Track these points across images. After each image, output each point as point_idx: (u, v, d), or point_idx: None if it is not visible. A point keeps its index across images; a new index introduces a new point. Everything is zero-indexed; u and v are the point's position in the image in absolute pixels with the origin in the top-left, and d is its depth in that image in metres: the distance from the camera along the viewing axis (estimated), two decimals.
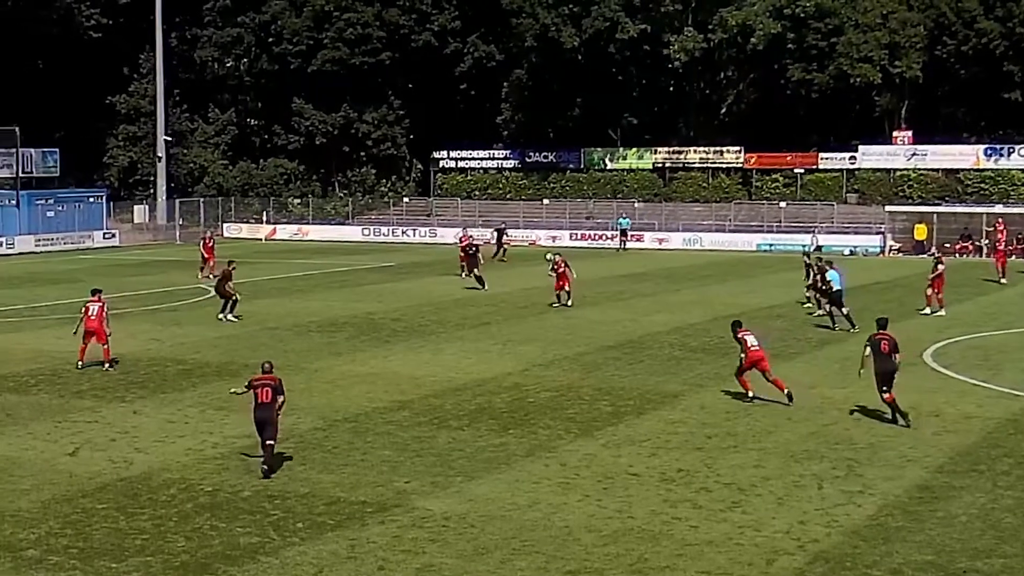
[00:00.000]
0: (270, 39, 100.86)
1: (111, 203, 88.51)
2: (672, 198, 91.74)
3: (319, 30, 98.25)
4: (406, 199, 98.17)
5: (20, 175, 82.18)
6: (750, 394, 28.21)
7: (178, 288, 53.34)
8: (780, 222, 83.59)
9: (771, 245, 77.58)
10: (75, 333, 33.63)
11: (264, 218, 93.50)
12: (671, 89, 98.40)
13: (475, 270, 52.02)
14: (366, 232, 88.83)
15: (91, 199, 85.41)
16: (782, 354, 34.98)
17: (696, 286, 53.75)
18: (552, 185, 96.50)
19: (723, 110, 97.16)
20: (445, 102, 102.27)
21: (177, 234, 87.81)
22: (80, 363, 33.03)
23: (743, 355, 27.98)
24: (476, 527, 19.14)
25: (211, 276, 53.32)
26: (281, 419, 22.96)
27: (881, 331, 26.69)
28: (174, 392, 29.87)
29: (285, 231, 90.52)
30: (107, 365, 32.90)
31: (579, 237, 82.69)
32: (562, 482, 21.73)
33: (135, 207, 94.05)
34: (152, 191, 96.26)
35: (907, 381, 28.84)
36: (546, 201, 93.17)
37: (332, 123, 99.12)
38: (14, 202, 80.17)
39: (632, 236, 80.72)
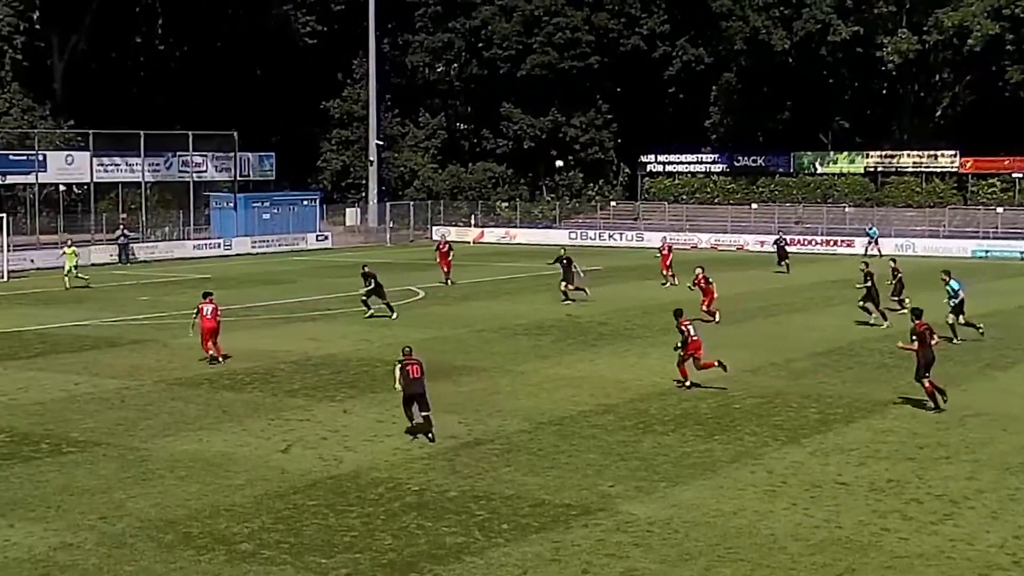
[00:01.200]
0: (480, 44, 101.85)
1: (324, 206, 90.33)
2: (884, 203, 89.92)
3: (528, 35, 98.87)
4: (613, 203, 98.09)
5: (238, 178, 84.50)
6: (688, 383, 30.29)
7: (387, 290, 54.17)
8: (997, 228, 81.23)
9: (987, 251, 75.46)
10: (192, 331, 35.34)
11: (472, 221, 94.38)
12: (884, 92, 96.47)
13: (567, 283, 49.53)
14: (573, 236, 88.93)
15: (305, 202, 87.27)
16: (996, 363, 34.04)
17: (908, 292, 52.55)
18: (760, 189, 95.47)
19: (938, 113, 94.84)
20: (653, 105, 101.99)
21: (387, 236, 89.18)
22: (212, 357, 34.50)
23: (681, 344, 30.10)
24: (680, 532, 19.03)
25: (450, 282, 54.16)
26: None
27: (922, 321, 28.16)
28: (383, 392, 30.28)
29: (493, 234, 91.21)
30: (220, 359, 34.40)
31: (788, 242, 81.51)
32: (768, 489, 21.47)
33: (347, 210, 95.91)
34: (363, 194, 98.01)
35: None
36: (754, 205, 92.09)
37: (540, 127, 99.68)
38: (232, 204, 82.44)
39: (843, 242, 79.62)
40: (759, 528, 19.26)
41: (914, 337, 27.90)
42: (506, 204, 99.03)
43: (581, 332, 40.63)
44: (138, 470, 22.76)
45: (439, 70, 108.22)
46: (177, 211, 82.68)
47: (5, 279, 59.40)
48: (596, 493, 21.23)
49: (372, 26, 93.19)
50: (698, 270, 44.53)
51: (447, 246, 58.46)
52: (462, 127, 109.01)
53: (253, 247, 79.49)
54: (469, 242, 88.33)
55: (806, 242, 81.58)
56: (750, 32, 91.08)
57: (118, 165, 78.73)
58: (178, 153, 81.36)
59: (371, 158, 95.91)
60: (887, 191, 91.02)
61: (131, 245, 72.98)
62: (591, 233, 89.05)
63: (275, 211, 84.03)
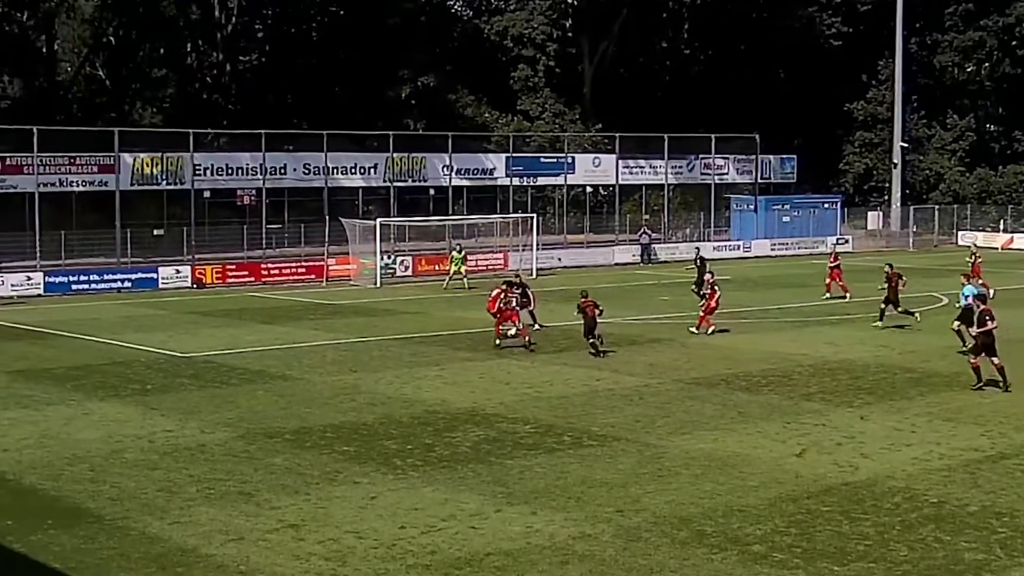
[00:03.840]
0: (1013, 42, 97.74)
1: (845, 209, 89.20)
2: None
3: None
4: None
5: (759, 181, 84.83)
6: (511, 332, 38.12)
7: (909, 296, 52.88)
8: None
9: None
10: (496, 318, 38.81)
11: (1001, 226, 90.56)
12: None
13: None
14: None
15: (826, 205, 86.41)
16: None
17: None
18: None
19: None
20: None
21: (910, 241, 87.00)
22: (498, 340, 38.42)
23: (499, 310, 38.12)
24: None
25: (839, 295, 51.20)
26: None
27: (986, 307, 30.80)
28: (902, 400, 29.64)
29: (1023, 241, 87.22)
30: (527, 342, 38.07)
31: None
32: None
33: (868, 213, 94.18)
34: (886, 198, 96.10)
35: None
36: None
37: None
38: (752, 207, 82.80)
39: None
40: None
41: (985, 319, 30.23)
42: None
43: None
44: (654, 466, 23.22)
45: (968, 70, 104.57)
46: (698, 213, 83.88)
47: (534, 276, 62.13)
48: None
49: (899, 26, 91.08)
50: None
51: (836, 259, 54.91)
52: (992, 129, 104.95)
53: (772, 250, 79.53)
54: (997, 248, 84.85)
55: None
56: None
57: (642, 167, 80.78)
58: (700, 156, 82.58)
59: (895, 161, 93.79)
60: None
61: (653, 246, 74.65)
62: None
63: (795, 214, 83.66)
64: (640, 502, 20.78)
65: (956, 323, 36.59)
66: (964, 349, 35.11)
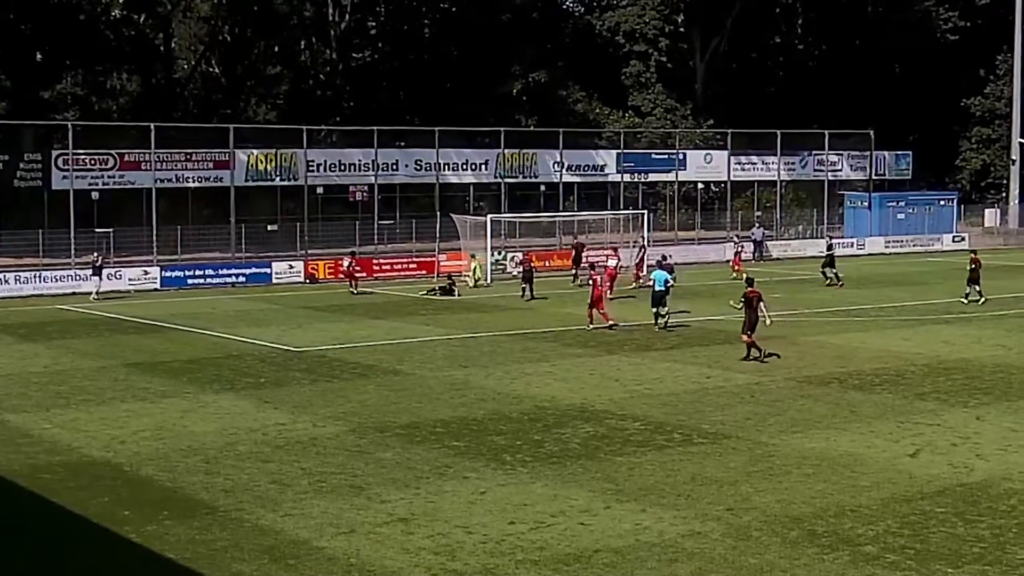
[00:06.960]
0: None
1: (961, 206, 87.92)
2: None
3: None
4: None
5: (873, 177, 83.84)
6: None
7: None
8: None
9: None
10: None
11: None
12: None
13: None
14: None
15: (941, 202, 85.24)
16: None
17: None
18: None
19: None
20: None
21: None
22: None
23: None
24: None
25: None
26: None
27: (752, 288, 34.89)
28: (1019, 400, 29.11)
29: None
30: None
31: None
32: None
33: (986, 211, 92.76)
34: (1004, 195, 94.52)
35: None
36: None
37: None
38: (866, 204, 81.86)
39: None
40: None
41: (743, 300, 34.57)
42: None
43: None
44: (765, 465, 23.05)
45: None
46: (811, 209, 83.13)
47: (645, 272, 61.85)
48: None
49: (1018, 19, 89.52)
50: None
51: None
52: None
53: (886, 247, 78.60)
54: None
55: None
56: None
57: (754, 164, 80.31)
58: (813, 152, 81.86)
59: (1013, 157, 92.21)
60: None
61: (765, 243, 74.15)
62: None
63: (910, 211, 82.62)
64: (750, 500, 20.64)
65: (654, 308, 41.09)
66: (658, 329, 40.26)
